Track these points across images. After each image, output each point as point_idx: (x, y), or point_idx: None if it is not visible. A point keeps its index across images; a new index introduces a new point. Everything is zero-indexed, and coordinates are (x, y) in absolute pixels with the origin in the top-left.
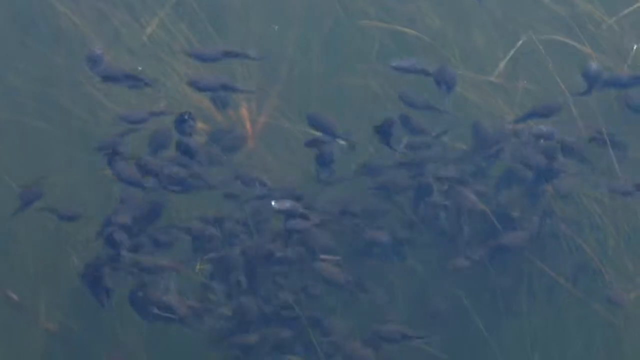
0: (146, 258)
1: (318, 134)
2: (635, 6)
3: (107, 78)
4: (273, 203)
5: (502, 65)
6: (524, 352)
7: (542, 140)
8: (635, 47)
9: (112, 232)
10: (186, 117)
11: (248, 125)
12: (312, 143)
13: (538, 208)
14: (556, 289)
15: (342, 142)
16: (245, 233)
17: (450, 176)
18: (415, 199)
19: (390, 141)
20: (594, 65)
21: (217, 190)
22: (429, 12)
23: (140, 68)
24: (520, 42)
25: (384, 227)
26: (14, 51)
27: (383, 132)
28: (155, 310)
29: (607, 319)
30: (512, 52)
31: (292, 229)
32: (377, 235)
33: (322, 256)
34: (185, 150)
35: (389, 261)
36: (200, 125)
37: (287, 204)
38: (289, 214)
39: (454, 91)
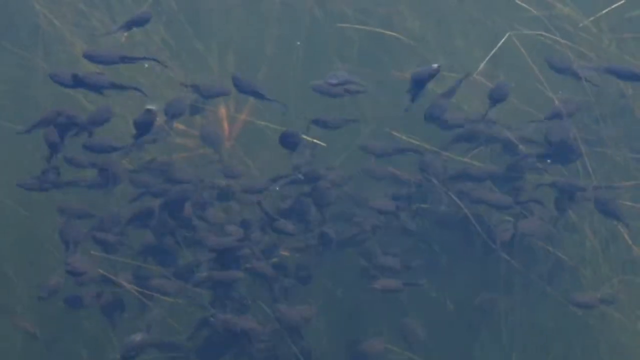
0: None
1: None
2: (611, 7)
3: (58, 82)
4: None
5: (482, 65)
6: (502, 353)
7: None
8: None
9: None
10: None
11: (226, 125)
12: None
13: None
14: (534, 291)
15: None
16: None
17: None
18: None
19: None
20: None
21: None
22: (407, 14)
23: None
24: (502, 41)
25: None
26: None
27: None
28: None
29: (583, 320)
30: (492, 51)
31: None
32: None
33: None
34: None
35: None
36: (177, 125)
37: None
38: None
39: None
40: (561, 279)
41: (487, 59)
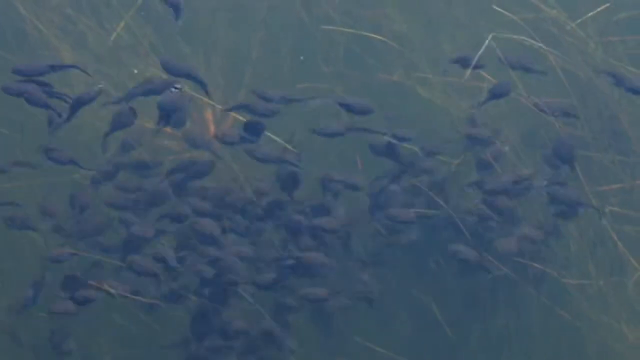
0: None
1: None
2: (597, 10)
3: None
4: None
5: (469, 70)
6: (489, 356)
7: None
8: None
9: None
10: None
11: (212, 128)
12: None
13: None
14: (520, 293)
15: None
16: None
17: None
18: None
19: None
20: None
21: None
22: (394, 16)
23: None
24: (485, 43)
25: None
26: None
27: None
28: None
29: (571, 322)
30: (477, 56)
31: None
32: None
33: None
34: None
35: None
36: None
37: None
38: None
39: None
40: (547, 281)
41: (473, 63)
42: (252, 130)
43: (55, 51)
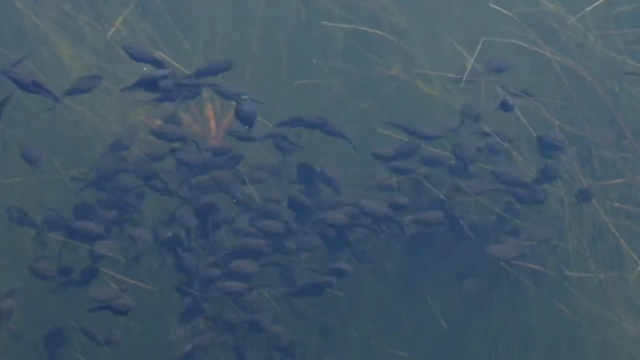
0: None
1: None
2: (596, 4)
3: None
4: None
5: (468, 65)
6: (487, 351)
7: None
8: None
9: None
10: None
11: (213, 124)
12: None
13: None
14: (519, 288)
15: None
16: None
17: None
18: None
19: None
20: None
21: None
22: (393, 11)
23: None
24: (478, 49)
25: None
26: None
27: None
28: None
29: (570, 318)
30: (477, 52)
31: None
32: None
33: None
34: None
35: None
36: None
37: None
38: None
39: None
40: (546, 276)
41: (469, 67)
42: (245, 118)
43: (54, 47)
